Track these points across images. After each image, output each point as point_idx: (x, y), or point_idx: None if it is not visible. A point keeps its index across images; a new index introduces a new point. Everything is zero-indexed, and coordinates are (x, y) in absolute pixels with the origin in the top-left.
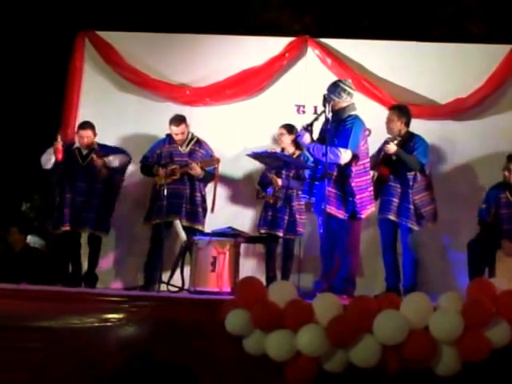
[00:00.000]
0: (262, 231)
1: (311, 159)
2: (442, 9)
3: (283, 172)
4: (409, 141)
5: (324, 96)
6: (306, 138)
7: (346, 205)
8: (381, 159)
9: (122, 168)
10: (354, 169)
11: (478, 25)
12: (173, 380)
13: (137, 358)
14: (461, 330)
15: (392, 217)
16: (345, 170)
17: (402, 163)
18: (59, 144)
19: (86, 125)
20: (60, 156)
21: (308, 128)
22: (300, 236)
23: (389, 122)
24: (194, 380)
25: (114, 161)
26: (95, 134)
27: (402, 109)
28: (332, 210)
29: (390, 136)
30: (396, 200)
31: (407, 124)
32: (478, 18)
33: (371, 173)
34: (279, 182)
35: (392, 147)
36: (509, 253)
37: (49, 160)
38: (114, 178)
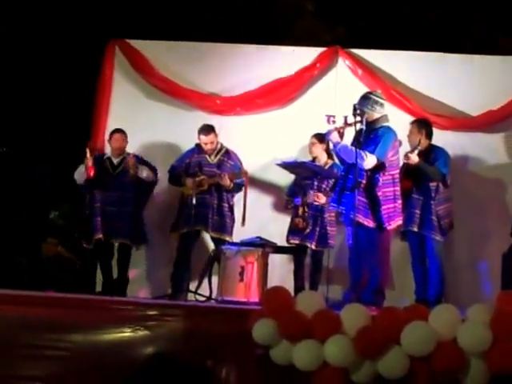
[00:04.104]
0: (293, 241)
1: (341, 167)
2: (474, 22)
3: (315, 183)
4: (430, 152)
5: (354, 107)
6: (334, 136)
7: (373, 214)
8: (403, 172)
9: (147, 183)
10: (381, 178)
11: (509, 37)
12: (197, 383)
13: (160, 359)
14: (489, 342)
15: (415, 228)
16: (371, 179)
17: (424, 174)
18: (89, 161)
19: (119, 130)
20: (92, 173)
21: (340, 130)
22: (330, 248)
23: (409, 135)
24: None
25: (143, 171)
26: (126, 142)
27: (421, 122)
28: (360, 218)
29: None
30: (418, 212)
31: (428, 136)
32: (509, 30)
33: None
34: (322, 199)
35: (414, 157)
36: None
37: (83, 176)
38: (141, 189)
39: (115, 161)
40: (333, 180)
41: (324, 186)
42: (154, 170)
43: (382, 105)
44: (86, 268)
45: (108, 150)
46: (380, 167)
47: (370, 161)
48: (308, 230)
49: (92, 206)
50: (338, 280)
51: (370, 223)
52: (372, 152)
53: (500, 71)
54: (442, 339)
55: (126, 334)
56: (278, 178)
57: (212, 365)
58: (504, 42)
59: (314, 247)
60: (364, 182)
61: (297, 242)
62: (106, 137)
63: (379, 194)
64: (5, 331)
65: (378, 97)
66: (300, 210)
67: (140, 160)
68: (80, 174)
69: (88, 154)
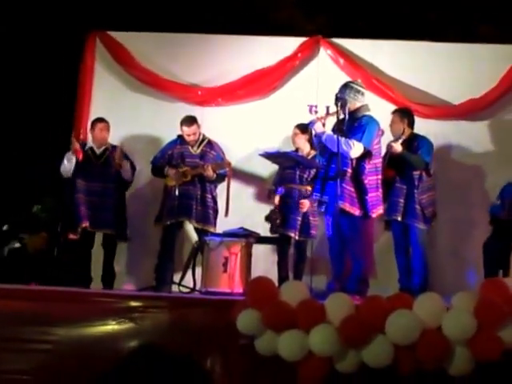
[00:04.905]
0: (276, 231)
1: (323, 159)
2: (454, 9)
3: (297, 173)
4: (413, 141)
5: (336, 96)
6: (318, 126)
7: (359, 202)
8: (386, 161)
9: (125, 179)
10: (366, 166)
11: (490, 25)
12: (182, 374)
13: (145, 351)
14: (473, 330)
15: (399, 217)
16: (358, 167)
17: (407, 163)
18: (76, 145)
19: (102, 119)
20: (80, 156)
21: (322, 120)
22: (313, 238)
23: (392, 124)
24: (204, 376)
25: (126, 166)
26: (108, 132)
27: (403, 111)
28: (346, 206)
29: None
30: (402, 200)
31: (410, 125)
32: (489, 18)
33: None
34: (306, 205)
35: (398, 146)
36: None
37: (69, 168)
38: (122, 182)
39: (98, 151)
40: (314, 170)
41: (305, 176)
42: (133, 168)
43: (363, 94)
44: (70, 261)
45: (90, 141)
46: (366, 155)
47: (357, 149)
48: (278, 222)
49: (74, 196)
50: (322, 270)
51: (356, 211)
52: (359, 140)
53: (482, 59)
54: (426, 327)
55: (111, 326)
56: (260, 168)
57: (197, 356)
58: (485, 30)
59: (296, 237)
60: (349, 170)
61: (280, 232)
62: (88, 128)
63: (365, 182)
64: None
65: (359, 86)
66: (273, 210)
67: (125, 155)
68: (65, 166)
69: (74, 140)
